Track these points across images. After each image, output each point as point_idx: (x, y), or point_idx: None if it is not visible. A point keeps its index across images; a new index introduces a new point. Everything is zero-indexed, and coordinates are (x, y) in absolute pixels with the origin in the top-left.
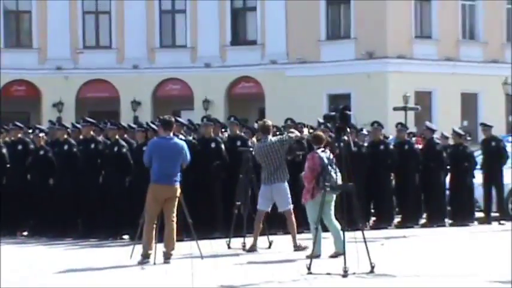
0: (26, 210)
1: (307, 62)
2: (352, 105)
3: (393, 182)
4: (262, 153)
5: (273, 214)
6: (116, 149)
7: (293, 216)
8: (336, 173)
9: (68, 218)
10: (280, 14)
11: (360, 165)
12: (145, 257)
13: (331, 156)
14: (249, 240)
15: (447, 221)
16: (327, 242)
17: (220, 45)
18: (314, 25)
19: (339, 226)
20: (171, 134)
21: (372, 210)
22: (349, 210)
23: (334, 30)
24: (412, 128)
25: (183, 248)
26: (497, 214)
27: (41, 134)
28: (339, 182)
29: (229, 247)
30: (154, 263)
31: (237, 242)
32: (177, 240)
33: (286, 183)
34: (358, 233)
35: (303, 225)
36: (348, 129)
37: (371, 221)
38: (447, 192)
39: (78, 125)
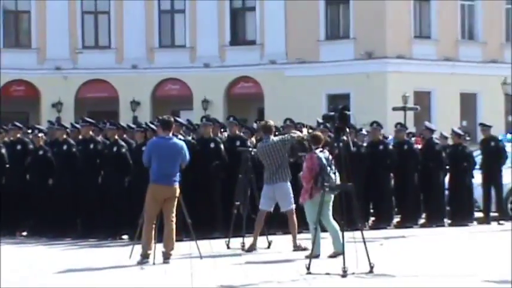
0: (25, 211)
1: (307, 62)
2: (351, 105)
3: (392, 182)
4: (264, 152)
5: (272, 214)
6: (115, 149)
7: (295, 216)
8: (334, 173)
9: (67, 218)
10: (279, 14)
11: (359, 165)
12: (144, 257)
13: (330, 156)
14: (248, 241)
15: (446, 221)
16: (326, 242)
17: (219, 45)
18: (313, 25)
19: (337, 226)
20: (170, 134)
21: (371, 210)
22: (349, 211)
23: (334, 30)
24: (411, 128)
25: (182, 248)
26: (496, 214)
27: (40, 134)
28: (338, 182)
29: (228, 247)
30: (154, 263)
31: (236, 242)
32: (177, 240)
33: (288, 183)
34: (357, 233)
35: (302, 226)
36: (347, 129)
37: (370, 221)
38: (446, 192)
39: (77, 125)
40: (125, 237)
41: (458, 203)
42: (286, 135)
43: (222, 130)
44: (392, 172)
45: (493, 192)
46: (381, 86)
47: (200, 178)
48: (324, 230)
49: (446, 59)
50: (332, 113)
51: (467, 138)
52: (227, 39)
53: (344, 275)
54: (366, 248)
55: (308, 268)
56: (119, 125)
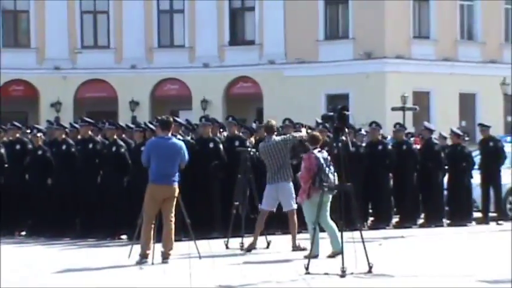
0: (24, 210)
1: (306, 62)
2: (350, 106)
3: (391, 182)
4: (266, 152)
5: (271, 214)
6: (114, 149)
7: (295, 216)
8: (332, 173)
9: (66, 218)
10: (278, 14)
11: (358, 165)
12: (143, 257)
13: (328, 156)
14: (247, 241)
15: (445, 221)
16: (325, 242)
17: (218, 45)
18: (312, 25)
19: (334, 226)
20: (169, 134)
21: (370, 211)
22: (347, 211)
23: (333, 30)
24: (410, 128)
25: (181, 248)
26: (495, 214)
27: (39, 134)
28: (336, 182)
29: (227, 247)
30: (153, 263)
31: (235, 242)
32: (175, 240)
33: (290, 183)
34: (356, 233)
35: (300, 226)
36: (346, 130)
37: (369, 221)
38: (445, 192)
39: (76, 125)
40: (124, 237)
41: (457, 203)
42: (288, 135)
43: (221, 130)
44: (391, 172)
45: (491, 192)
46: (380, 86)
47: (199, 178)
48: (322, 230)
49: (445, 59)
50: (331, 113)
51: (466, 138)
52: (226, 39)
53: (343, 275)
54: (364, 248)
55: (307, 268)
56: (118, 125)
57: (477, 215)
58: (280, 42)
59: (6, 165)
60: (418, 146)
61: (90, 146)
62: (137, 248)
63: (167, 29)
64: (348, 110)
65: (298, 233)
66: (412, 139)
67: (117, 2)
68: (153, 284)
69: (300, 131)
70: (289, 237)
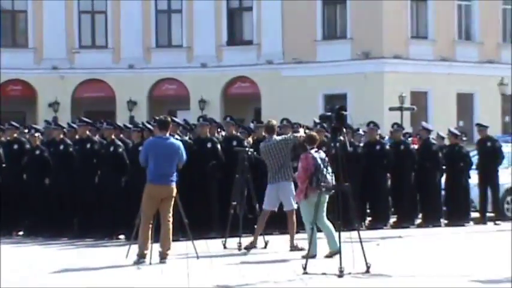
0: (22, 210)
1: (303, 62)
2: (348, 106)
3: (389, 182)
4: (267, 152)
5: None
6: (111, 148)
7: (294, 216)
8: (329, 173)
9: (64, 218)
10: (276, 14)
11: (356, 165)
12: (141, 257)
13: (325, 156)
14: (244, 241)
15: (443, 221)
16: (322, 242)
17: (216, 45)
18: (310, 25)
19: (331, 225)
20: (167, 134)
21: (368, 211)
22: (345, 211)
23: (330, 30)
24: (408, 128)
25: (178, 248)
26: (492, 214)
27: (37, 134)
28: (333, 182)
29: (225, 247)
30: (150, 263)
31: (232, 242)
32: (173, 240)
33: (291, 183)
34: (354, 233)
35: (298, 226)
36: (344, 130)
37: (367, 221)
38: (443, 192)
39: (74, 125)
40: (122, 237)
41: (454, 203)
42: (289, 134)
43: (218, 130)
44: (389, 172)
45: (489, 192)
46: (378, 86)
47: (197, 178)
48: (320, 230)
49: (443, 59)
50: (329, 113)
51: (464, 138)
52: (224, 39)
53: (340, 275)
54: (362, 248)
55: (305, 268)
56: (116, 125)
57: (475, 215)
58: (278, 42)
59: (4, 165)
60: (416, 146)
61: (88, 146)
62: (135, 248)
63: (165, 29)
64: (345, 110)
65: (296, 233)
66: (409, 139)
67: (115, 2)
68: (150, 284)
69: (298, 132)
70: (287, 237)
